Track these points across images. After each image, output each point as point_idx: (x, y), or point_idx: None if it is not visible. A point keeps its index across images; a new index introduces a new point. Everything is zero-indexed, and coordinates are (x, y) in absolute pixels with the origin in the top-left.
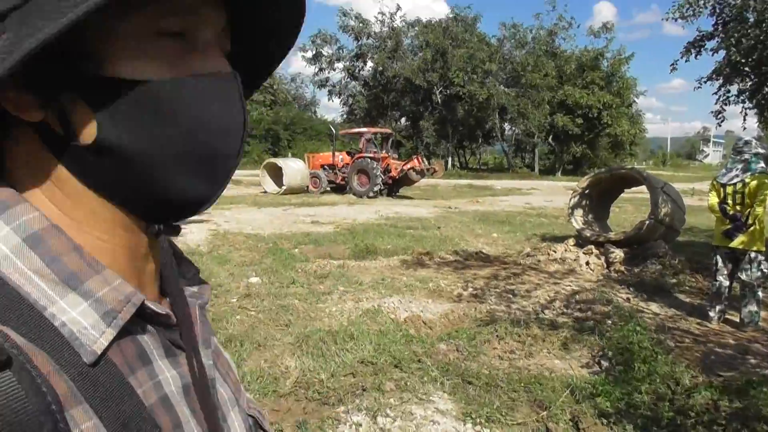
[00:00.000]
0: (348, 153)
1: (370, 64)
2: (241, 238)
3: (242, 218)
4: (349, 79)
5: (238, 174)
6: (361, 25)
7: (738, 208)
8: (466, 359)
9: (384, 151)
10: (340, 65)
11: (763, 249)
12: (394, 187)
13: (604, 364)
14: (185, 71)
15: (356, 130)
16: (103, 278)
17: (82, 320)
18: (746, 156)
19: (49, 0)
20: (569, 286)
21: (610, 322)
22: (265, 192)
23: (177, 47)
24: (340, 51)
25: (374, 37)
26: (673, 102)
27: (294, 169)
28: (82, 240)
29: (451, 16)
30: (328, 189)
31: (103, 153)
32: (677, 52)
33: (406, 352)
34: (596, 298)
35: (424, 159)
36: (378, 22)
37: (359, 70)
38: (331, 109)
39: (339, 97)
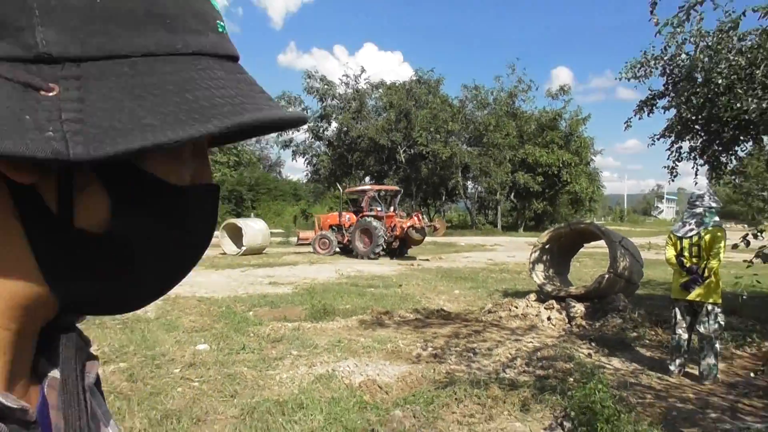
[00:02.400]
0: (354, 213)
1: (334, 124)
2: (194, 302)
3: (197, 281)
4: (313, 140)
5: None
6: (326, 86)
7: (694, 260)
8: (423, 426)
9: (392, 210)
10: (304, 126)
11: (720, 301)
12: (402, 247)
13: (567, 425)
14: (197, 180)
15: (360, 187)
16: None
17: None
18: (700, 210)
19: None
20: (531, 342)
21: (572, 379)
22: (224, 253)
23: (198, 153)
24: (305, 112)
25: (339, 99)
26: (629, 161)
27: (254, 229)
28: None
29: (414, 78)
30: (338, 250)
31: (102, 241)
32: (631, 113)
33: (359, 421)
34: (558, 355)
35: (424, 216)
36: (343, 84)
37: (323, 131)
38: (296, 170)
39: (303, 157)
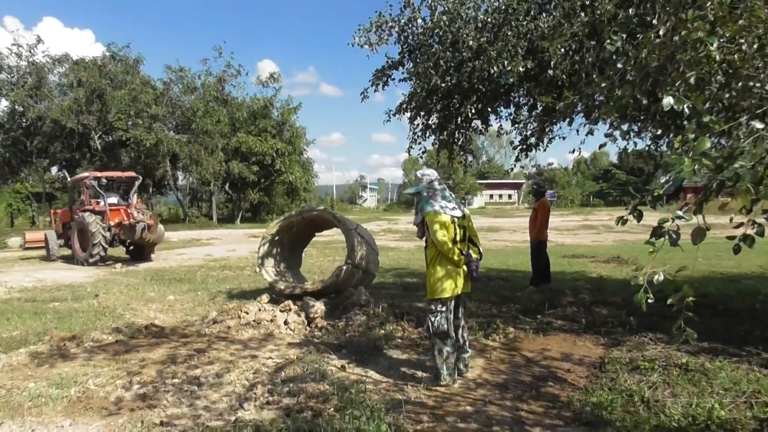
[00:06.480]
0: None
1: (5, 102)
2: None
3: None
4: None
5: None
6: None
7: (460, 245)
8: None
9: (128, 201)
10: None
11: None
12: (139, 249)
13: None
14: None
15: (80, 175)
16: None
17: None
18: (443, 186)
19: None
20: (270, 358)
21: (331, 408)
22: None
23: None
24: None
25: (9, 72)
26: (334, 153)
27: None
28: None
29: (108, 54)
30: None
31: None
32: (332, 110)
33: None
34: (306, 373)
35: (135, 210)
36: (13, 54)
37: None
38: None
39: None
